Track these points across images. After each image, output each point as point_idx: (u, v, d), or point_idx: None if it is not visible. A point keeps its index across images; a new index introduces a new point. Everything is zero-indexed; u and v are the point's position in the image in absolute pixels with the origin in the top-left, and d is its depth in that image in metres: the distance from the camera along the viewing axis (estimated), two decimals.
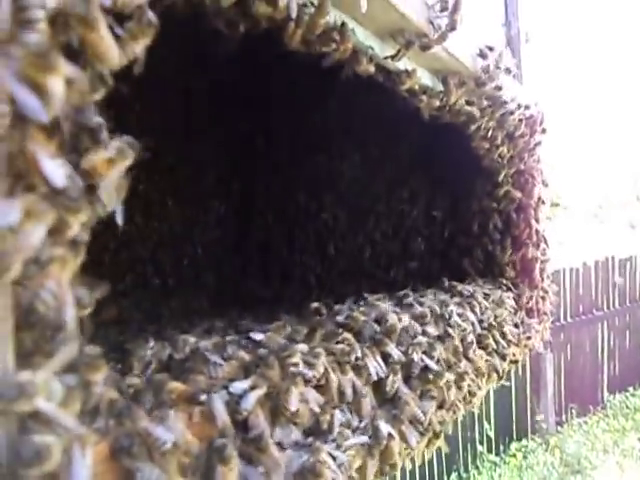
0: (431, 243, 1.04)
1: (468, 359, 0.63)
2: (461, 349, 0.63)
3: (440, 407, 0.55)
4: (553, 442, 3.97)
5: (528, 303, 0.94)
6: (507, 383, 3.93)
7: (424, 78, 0.65)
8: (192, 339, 0.41)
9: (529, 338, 0.86)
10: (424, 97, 0.66)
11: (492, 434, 3.89)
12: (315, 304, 0.54)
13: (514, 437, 3.99)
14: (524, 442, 3.99)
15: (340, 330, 0.49)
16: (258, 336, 0.43)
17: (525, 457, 3.90)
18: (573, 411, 4.16)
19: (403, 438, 0.49)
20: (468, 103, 0.74)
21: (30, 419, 0.24)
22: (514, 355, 0.80)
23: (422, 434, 0.51)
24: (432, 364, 0.56)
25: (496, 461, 3.87)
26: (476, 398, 0.64)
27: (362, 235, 1.09)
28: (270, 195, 1.19)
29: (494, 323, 0.76)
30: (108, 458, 0.31)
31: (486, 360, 0.69)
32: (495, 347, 0.73)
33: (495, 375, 0.71)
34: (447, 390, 0.56)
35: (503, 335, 0.75)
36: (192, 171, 1.17)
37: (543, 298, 0.96)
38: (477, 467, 3.83)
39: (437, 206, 1.01)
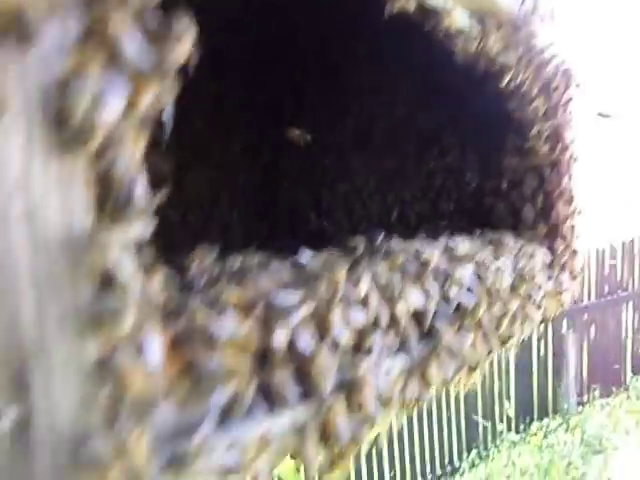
0: (460, 202, 1.03)
1: (503, 302, 0.64)
2: (497, 291, 0.63)
3: (476, 343, 0.56)
4: (574, 422, 3.96)
5: (559, 259, 0.93)
6: (528, 362, 3.91)
7: (462, 19, 0.64)
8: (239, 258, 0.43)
9: (561, 293, 0.86)
10: (460, 41, 0.66)
11: (512, 413, 3.89)
12: (352, 242, 0.55)
13: (534, 416, 3.99)
14: (545, 421, 3.99)
15: (382, 263, 0.50)
16: (303, 259, 0.44)
17: (545, 436, 3.90)
18: (595, 392, 4.13)
19: (440, 366, 0.50)
20: (504, 50, 0.73)
21: (103, 281, 0.25)
22: (547, 308, 0.80)
23: (458, 367, 0.53)
24: (469, 300, 0.57)
25: (516, 440, 3.88)
26: (512, 341, 0.65)
27: (391, 196, 1.09)
28: (298, 158, 1.20)
29: (527, 274, 0.76)
30: (169, 349, 0.32)
31: (521, 306, 0.69)
32: (529, 295, 0.73)
33: (529, 322, 0.72)
34: (484, 327, 0.57)
35: (536, 286, 0.75)
36: (221, 135, 1.18)
37: (574, 255, 0.95)
38: (497, 445, 3.85)
39: (467, 163, 1.01)
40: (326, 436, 0.38)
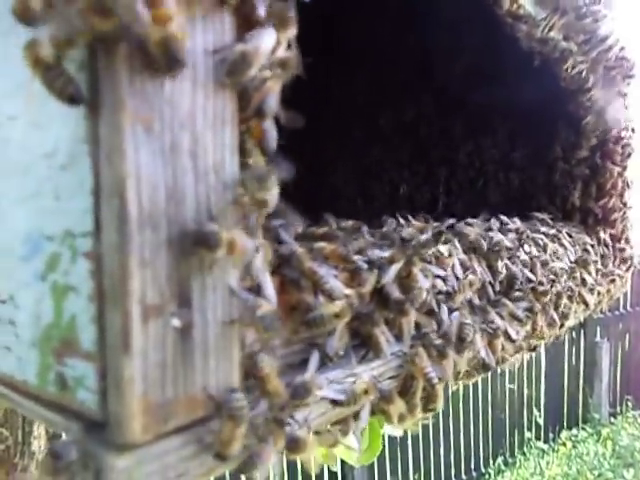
0: (509, 192, 1.04)
1: (561, 283, 0.65)
2: (555, 272, 0.65)
3: (538, 319, 0.58)
4: (605, 433, 3.86)
5: (610, 250, 0.93)
6: (559, 370, 3.84)
7: (526, 4, 0.66)
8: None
9: (612, 281, 0.86)
10: (524, 26, 0.68)
11: (541, 421, 3.82)
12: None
13: (564, 425, 3.91)
14: (574, 431, 3.90)
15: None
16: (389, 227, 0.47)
17: (575, 446, 3.82)
18: (629, 403, 4.02)
19: (506, 334, 0.52)
20: (565, 38, 0.74)
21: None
22: (599, 294, 0.80)
23: (523, 339, 0.55)
24: (533, 277, 0.59)
25: (544, 448, 3.81)
26: (567, 322, 0.66)
27: (439, 185, 1.10)
28: (344, 147, 1.23)
29: (581, 260, 0.77)
30: (278, 291, 0.35)
31: (577, 290, 0.70)
32: (584, 279, 0.74)
33: (584, 306, 0.72)
34: (546, 304, 0.59)
35: (590, 272, 0.76)
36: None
37: (624, 247, 0.95)
38: (524, 453, 3.79)
39: (517, 153, 1.02)
40: (410, 384, 0.41)
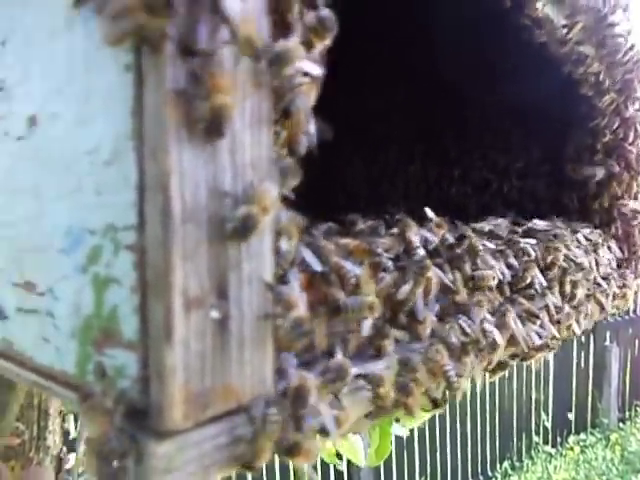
0: (522, 194, 1.04)
1: (582, 284, 0.66)
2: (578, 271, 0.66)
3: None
4: (614, 438, 3.83)
5: (624, 254, 0.93)
6: (567, 374, 3.81)
7: (546, 7, 0.66)
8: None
9: (624, 286, 0.86)
10: (543, 31, 0.68)
11: (549, 425, 3.80)
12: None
13: (572, 430, 3.88)
14: (583, 436, 3.88)
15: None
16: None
17: (583, 451, 3.79)
18: (638, 408, 3.99)
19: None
20: (581, 41, 0.75)
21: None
22: (615, 299, 0.80)
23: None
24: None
25: (552, 452, 3.79)
26: (585, 323, 0.67)
27: (451, 187, 1.11)
28: (355, 148, 1.23)
29: (595, 262, 0.77)
30: (305, 286, 0.36)
31: (593, 292, 0.70)
32: (599, 281, 0.74)
33: (599, 308, 0.73)
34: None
35: (605, 275, 0.77)
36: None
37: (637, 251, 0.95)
38: (531, 457, 3.77)
39: (531, 154, 1.02)
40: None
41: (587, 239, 0.82)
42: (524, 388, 3.69)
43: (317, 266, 0.36)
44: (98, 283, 0.28)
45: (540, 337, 0.55)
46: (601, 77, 0.83)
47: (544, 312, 0.58)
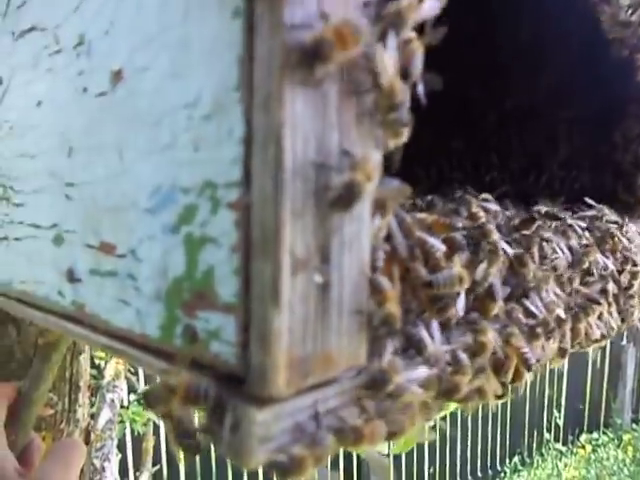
0: (563, 184, 1.02)
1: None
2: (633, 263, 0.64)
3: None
4: (627, 439, 3.81)
5: None
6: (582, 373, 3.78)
7: None
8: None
9: None
10: (608, 8, 0.66)
11: (561, 422, 3.78)
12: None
13: (585, 428, 3.86)
14: (595, 435, 3.85)
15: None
16: None
17: (595, 450, 3.77)
18: None
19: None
20: None
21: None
22: None
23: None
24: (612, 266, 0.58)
25: (563, 450, 3.78)
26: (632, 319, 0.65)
27: (488, 174, 1.09)
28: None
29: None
30: (387, 261, 0.34)
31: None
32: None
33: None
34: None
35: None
36: None
37: None
38: (542, 454, 3.76)
39: (574, 141, 0.99)
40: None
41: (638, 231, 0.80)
42: (537, 384, 3.66)
43: (401, 239, 0.34)
44: (191, 244, 0.27)
45: (600, 327, 0.53)
46: None
47: (604, 300, 0.56)
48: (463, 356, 0.33)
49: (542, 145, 1.03)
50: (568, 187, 1.02)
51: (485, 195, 0.54)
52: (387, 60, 0.25)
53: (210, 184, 0.26)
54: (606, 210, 0.79)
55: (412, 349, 0.31)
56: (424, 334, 0.32)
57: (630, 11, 0.68)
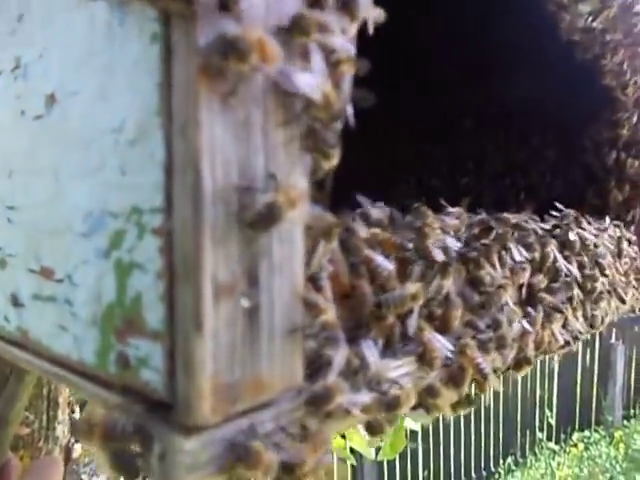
0: (540, 188, 1.02)
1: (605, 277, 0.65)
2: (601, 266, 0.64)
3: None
4: (618, 436, 3.83)
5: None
6: (572, 371, 3.80)
7: None
8: None
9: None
10: (568, 15, 0.66)
11: (553, 422, 3.80)
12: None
13: (576, 427, 3.88)
14: (587, 433, 3.87)
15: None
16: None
17: (587, 448, 3.79)
18: None
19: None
20: (606, 30, 0.73)
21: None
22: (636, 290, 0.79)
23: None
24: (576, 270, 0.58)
25: (555, 449, 3.79)
26: (607, 319, 0.65)
27: (467, 178, 1.09)
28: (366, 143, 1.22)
29: (617, 255, 0.75)
30: (332, 277, 0.34)
31: (614, 286, 0.69)
32: (620, 275, 0.72)
33: (620, 303, 0.71)
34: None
35: (629, 267, 0.75)
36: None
37: None
38: (535, 454, 3.77)
39: (548, 149, 1.00)
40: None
41: (609, 235, 0.81)
42: (529, 384, 3.67)
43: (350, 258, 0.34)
44: (121, 269, 0.27)
45: (563, 334, 0.54)
46: (624, 67, 0.81)
47: (568, 306, 0.56)
48: (405, 380, 0.33)
49: (517, 150, 1.04)
50: (542, 191, 1.02)
51: (449, 209, 0.54)
52: (308, 79, 0.25)
53: (136, 209, 0.26)
54: (573, 215, 0.79)
55: (355, 368, 0.31)
56: (368, 353, 0.32)
57: (591, 18, 0.68)
